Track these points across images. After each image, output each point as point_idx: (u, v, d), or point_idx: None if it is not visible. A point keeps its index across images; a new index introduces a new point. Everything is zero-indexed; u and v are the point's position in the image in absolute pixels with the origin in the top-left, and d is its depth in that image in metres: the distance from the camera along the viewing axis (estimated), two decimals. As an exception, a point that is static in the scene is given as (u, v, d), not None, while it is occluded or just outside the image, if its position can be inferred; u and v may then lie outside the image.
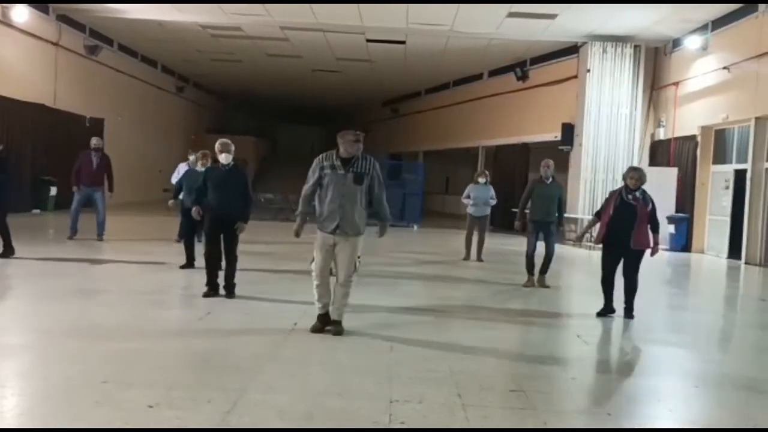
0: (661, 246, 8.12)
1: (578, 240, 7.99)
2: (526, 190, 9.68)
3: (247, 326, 6.18)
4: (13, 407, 3.91)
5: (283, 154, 40.18)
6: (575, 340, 6.62)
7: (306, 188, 5.99)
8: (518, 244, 12.23)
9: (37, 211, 17.51)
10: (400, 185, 20.67)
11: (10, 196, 9.93)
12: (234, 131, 29.78)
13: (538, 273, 9.36)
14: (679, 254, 15.51)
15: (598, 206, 8.65)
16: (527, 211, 9.60)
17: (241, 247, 7.65)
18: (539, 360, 5.57)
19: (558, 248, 9.46)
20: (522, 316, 7.52)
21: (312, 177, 5.94)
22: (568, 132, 18.14)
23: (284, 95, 32.91)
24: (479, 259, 12.02)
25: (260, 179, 30.91)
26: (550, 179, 9.47)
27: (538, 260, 9.40)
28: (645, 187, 7.47)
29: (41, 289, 7.63)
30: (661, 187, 16.39)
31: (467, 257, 12.13)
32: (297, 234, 6.07)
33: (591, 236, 10.08)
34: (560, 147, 18.43)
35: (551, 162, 9.60)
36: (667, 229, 16.02)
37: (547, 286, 9.31)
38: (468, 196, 12.28)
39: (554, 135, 18.66)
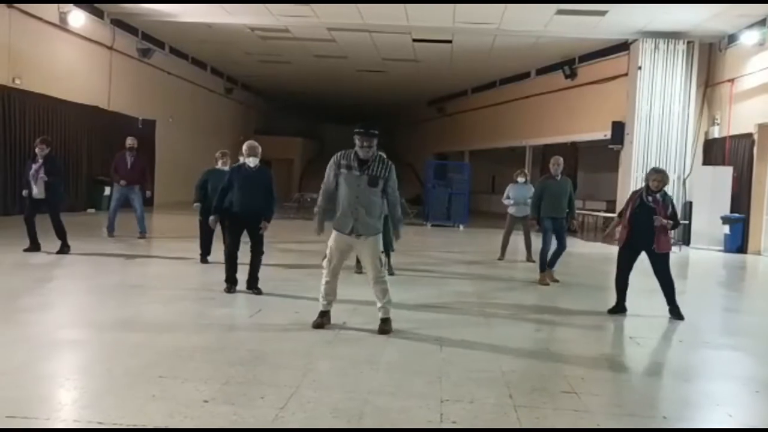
0: (681, 245, 8.02)
1: (607, 239, 7.93)
2: (537, 189, 9.72)
3: (298, 324, 6.24)
4: (76, 400, 4.04)
5: (330, 154, 40.24)
6: (628, 341, 6.51)
7: (324, 184, 5.98)
8: (579, 245, 12.08)
9: (92, 210, 18.02)
10: (446, 185, 20.61)
11: (62, 196, 10.28)
12: (281, 132, 30.20)
13: (547, 266, 9.42)
14: (735, 256, 15.09)
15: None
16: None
17: (289, 246, 7.74)
18: (591, 361, 5.49)
19: (600, 248, 9.35)
20: (571, 315, 7.41)
21: (329, 174, 5.92)
22: (619, 130, 17.85)
23: (330, 96, 33.13)
24: (530, 259, 11.89)
25: (306, 179, 31.18)
26: (559, 176, 9.54)
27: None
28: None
29: (96, 286, 7.86)
30: (715, 186, 16.03)
31: (502, 257, 12.02)
32: (318, 232, 6.09)
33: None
34: (610, 146, 18.14)
35: (561, 159, 9.69)
36: (721, 230, 15.62)
37: (556, 280, 9.40)
38: (508, 196, 12.17)
39: (604, 134, 18.38)
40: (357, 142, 5.81)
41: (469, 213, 20.91)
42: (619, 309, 7.45)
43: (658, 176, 7.24)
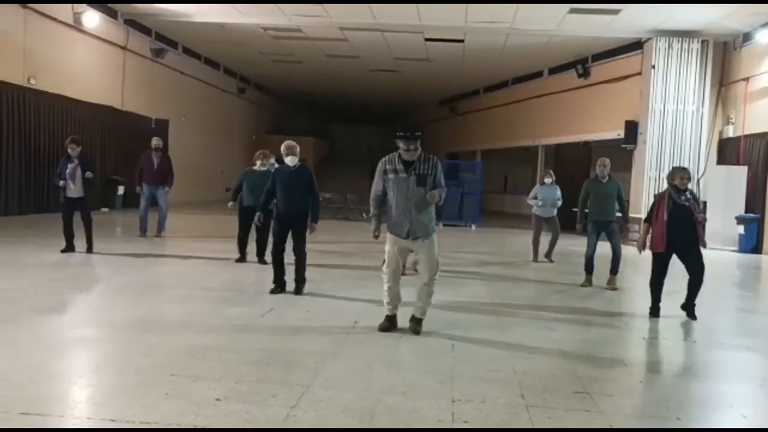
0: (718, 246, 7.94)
1: (641, 248, 7.73)
2: (582, 191, 9.55)
3: (310, 323, 6.26)
4: (89, 398, 4.07)
5: (341, 154, 40.55)
6: (641, 342, 6.48)
7: (373, 191, 6.00)
8: (580, 244, 12.02)
9: (106, 209, 18.14)
10: (458, 185, 20.58)
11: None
12: (293, 132, 30.23)
13: (608, 273, 9.23)
14: (749, 256, 14.97)
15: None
16: (587, 211, 9.46)
17: (302, 246, 7.77)
18: (604, 362, 5.47)
19: (609, 248, 9.28)
20: (585, 316, 7.38)
21: (377, 181, 5.95)
22: (632, 130, 17.75)
23: (342, 96, 33.19)
24: (549, 259, 11.83)
25: (318, 179, 31.16)
26: (606, 178, 9.32)
27: (599, 261, 9.25)
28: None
29: (111, 285, 7.92)
30: (730, 186, 15.90)
31: (535, 259, 11.95)
32: (375, 236, 6.09)
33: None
34: (623, 145, 18.04)
35: (607, 160, 9.47)
36: (736, 230, 15.49)
37: (615, 288, 9.15)
38: (535, 197, 12.11)
39: (617, 133, 18.27)
40: (402, 145, 5.77)
41: (481, 213, 20.87)
42: (657, 312, 7.39)
43: (685, 174, 7.17)
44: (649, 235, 7.42)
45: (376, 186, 5.96)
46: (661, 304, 7.37)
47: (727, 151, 17.08)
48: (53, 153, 16.39)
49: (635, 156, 17.84)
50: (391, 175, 5.82)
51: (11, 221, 14.17)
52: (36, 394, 4.00)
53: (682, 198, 7.12)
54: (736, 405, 4.62)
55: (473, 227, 19.37)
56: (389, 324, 6.03)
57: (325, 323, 6.26)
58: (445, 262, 11.10)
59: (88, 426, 3.63)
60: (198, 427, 3.61)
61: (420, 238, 5.84)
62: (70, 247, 10.01)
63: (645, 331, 6.86)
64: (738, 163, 16.32)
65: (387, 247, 5.97)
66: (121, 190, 18.63)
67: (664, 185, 15.58)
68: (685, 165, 16.81)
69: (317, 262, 9.81)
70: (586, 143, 20.60)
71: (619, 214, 9.51)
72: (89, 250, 10.02)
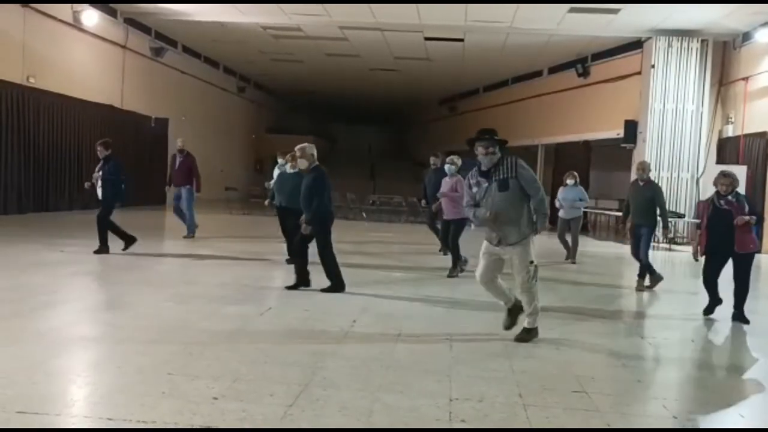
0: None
1: (696, 255, 7.67)
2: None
3: (308, 322, 6.26)
4: (86, 396, 4.07)
5: (341, 153, 40.52)
6: (640, 341, 6.47)
7: (465, 206, 6.08)
8: (591, 245, 12.05)
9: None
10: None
11: (116, 197, 10.34)
12: (293, 131, 30.30)
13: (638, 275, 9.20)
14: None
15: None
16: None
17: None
18: (603, 361, 5.47)
19: (614, 248, 9.27)
20: (583, 315, 7.38)
21: (467, 199, 5.95)
22: (631, 129, 17.76)
23: (342, 95, 33.18)
24: (572, 261, 11.81)
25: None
26: (644, 181, 9.20)
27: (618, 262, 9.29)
28: (708, 185, 7.30)
29: (111, 283, 7.93)
30: (730, 185, 15.88)
31: (573, 260, 11.88)
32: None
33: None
34: (623, 144, 18.05)
35: (646, 163, 9.40)
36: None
37: (641, 289, 9.08)
38: (557, 198, 12.13)
39: (616, 132, 18.27)
40: (480, 151, 5.71)
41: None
42: (709, 310, 7.43)
43: (725, 180, 7.15)
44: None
45: (467, 203, 5.98)
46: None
47: (727, 151, 17.08)
48: (53, 152, 16.41)
49: (635, 155, 17.82)
50: (475, 188, 5.77)
51: (10, 220, 14.17)
52: (33, 393, 4.00)
53: (722, 202, 7.11)
54: (735, 404, 4.62)
55: (472, 226, 19.33)
56: (510, 318, 5.92)
57: (323, 322, 6.26)
58: (442, 259, 11.13)
59: (86, 425, 3.63)
60: (195, 425, 3.61)
61: (511, 244, 5.72)
62: (104, 249, 9.96)
63: (643, 330, 6.86)
64: (737, 163, 16.30)
65: (481, 251, 5.92)
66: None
67: (664, 185, 15.65)
68: (684, 164, 16.94)
69: (316, 261, 9.80)
70: (586, 143, 20.60)
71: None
72: (99, 250, 9.92)
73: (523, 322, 5.90)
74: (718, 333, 7.01)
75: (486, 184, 5.70)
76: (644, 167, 9.30)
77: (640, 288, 9.05)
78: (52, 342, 5.19)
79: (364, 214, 21.23)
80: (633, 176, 17.49)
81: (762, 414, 4.55)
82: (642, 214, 9.05)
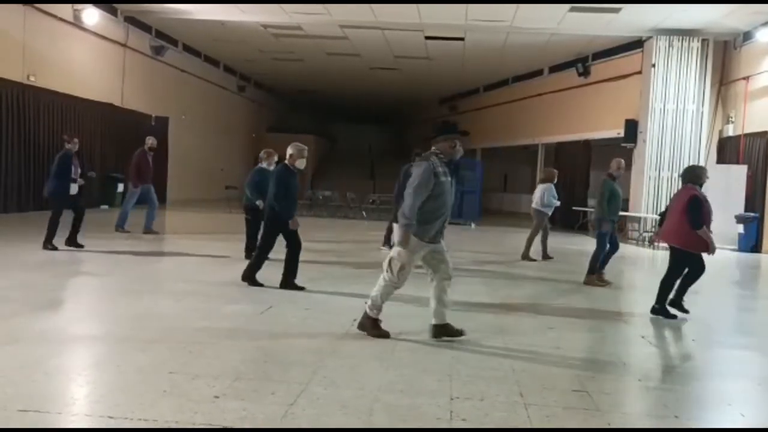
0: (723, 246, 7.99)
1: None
2: (606, 190, 9.54)
3: (308, 321, 6.26)
4: (87, 395, 4.07)
5: (341, 152, 40.51)
6: (640, 340, 6.47)
7: (420, 199, 5.46)
8: (578, 243, 12.05)
9: (105, 206, 18.14)
10: (458, 183, 20.54)
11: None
12: (294, 130, 30.27)
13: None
14: (749, 255, 14.98)
15: (662, 205, 8.53)
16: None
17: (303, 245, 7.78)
18: (603, 361, 5.47)
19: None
20: (584, 314, 7.39)
21: (427, 186, 5.46)
22: (632, 129, 17.76)
23: (343, 94, 33.17)
24: (533, 258, 11.88)
25: (319, 177, 31.24)
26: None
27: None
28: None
29: (110, 282, 7.91)
30: (730, 185, 15.88)
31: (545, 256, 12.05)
32: (407, 246, 5.55)
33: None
34: (623, 144, 18.05)
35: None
36: (735, 229, 15.49)
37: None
38: (554, 197, 12.14)
39: (617, 132, 18.28)
40: (458, 144, 5.64)
41: (481, 211, 20.86)
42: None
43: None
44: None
45: (423, 192, 5.46)
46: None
47: (727, 150, 17.09)
48: (53, 150, 16.32)
49: (635, 155, 17.84)
50: (442, 179, 5.53)
51: (11, 219, 14.17)
52: (34, 392, 3.99)
53: None
54: (735, 404, 4.63)
55: (473, 225, 19.36)
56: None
57: (323, 321, 6.26)
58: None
59: (87, 423, 3.63)
60: (196, 424, 3.61)
61: (442, 240, 5.72)
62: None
63: (644, 329, 6.86)
64: (738, 162, 16.33)
65: (405, 253, 5.54)
66: (120, 187, 18.62)
67: (664, 184, 15.62)
68: (685, 163, 16.85)
69: (316, 261, 9.82)
70: (587, 142, 20.61)
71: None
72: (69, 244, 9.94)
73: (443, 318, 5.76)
74: (718, 332, 7.00)
75: (449, 178, 5.62)
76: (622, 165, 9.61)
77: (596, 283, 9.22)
78: (51, 340, 5.18)
79: (364, 213, 21.23)
80: (634, 176, 17.69)
81: (762, 413, 4.55)
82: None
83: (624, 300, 8.86)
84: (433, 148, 5.69)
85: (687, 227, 7.03)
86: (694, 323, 7.15)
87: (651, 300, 7.77)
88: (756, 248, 15.35)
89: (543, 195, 11.96)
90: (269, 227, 7.77)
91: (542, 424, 3.89)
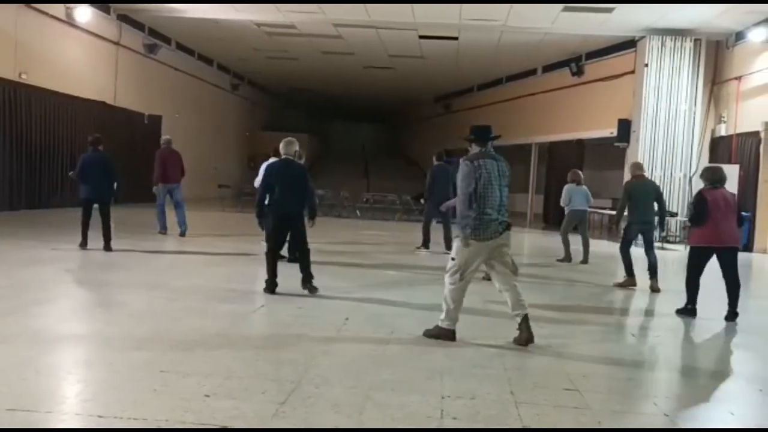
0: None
1: None
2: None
3: (300, 320, 6.25)
4: (78, 393, 4.06)
5: (336, 151, 40.51)
6: (631, 339, 6.50)
7: (469, 194, 5.65)
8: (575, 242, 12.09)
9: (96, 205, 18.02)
10: (452, 182, 20.56)
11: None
12: (288, 129, 30.21)
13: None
14: (741, 254, 14.96)
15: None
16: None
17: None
18: (595, 359, 5.48)
19: (606, 246, 9.32)
20: (575, 313, 7.40)
21: (471, 182, 5.65)
22: (625, 128, 17.79)
23: (337, 93, 33.13)
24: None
25: (313, 176, 31.22)
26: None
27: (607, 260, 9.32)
28: (700, 184, 7.44)
29: (102, 281, 7.89)
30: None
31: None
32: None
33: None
34: (616, 143, 18.09)
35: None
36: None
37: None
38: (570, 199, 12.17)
39: (610, 131, 18.31)
40: (490, 146, 5.98)
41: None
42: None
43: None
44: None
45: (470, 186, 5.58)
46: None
47: (719, 150, 17.14)
48: (45, 148, 16.33)
49: (628, 154, 17.87)
50: (485, 174, 5.68)
51: (2, 217, 14.09)
52: (24, 390, 3.98)
53: None
54: (725, 402, 4.65)
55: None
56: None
57: (316, 320, 6.26)
58: (440, 259, 11.14)
59: (77, 422, 3.62)
60: (187, 422, 3.60)
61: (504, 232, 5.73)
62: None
63: (635, 328, 6.89)
64: (730, 162, 16.36)
65: (467, 255, 5.64)
66: (115, 186, 18.49)
67: (657, 183, 15.54)
68: (678, 163, 17.04)
69: (313, 259, 9.79)
70: (580, 141, 20.64)
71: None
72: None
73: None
74: (711, 331, 7.03)
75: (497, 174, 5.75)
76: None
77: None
78: (42, 339, 5.16)
79: (357, 212, 21.23)
80: (627, 176, 17.70)
81: (751, 411, 4.57)
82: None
83: (616, 299, 8.87)
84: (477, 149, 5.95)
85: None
86: (685, 322, 7.16)
87: (643, 299, 7.82)
88: (747, 247, 15.40)
89: (567, 196, 12.10)
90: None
91: (533, 423, 3.90)
